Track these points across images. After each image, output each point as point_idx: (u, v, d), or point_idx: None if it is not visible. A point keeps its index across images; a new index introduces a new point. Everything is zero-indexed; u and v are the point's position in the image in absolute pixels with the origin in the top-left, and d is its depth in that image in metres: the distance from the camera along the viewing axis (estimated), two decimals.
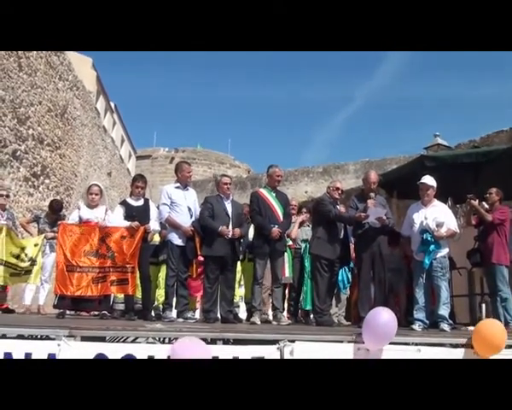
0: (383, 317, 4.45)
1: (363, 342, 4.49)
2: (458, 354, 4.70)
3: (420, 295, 6.09)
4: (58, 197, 15.95)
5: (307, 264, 7.26)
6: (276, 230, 6.22)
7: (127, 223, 6.18)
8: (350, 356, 4.45)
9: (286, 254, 6.99)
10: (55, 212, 8.25)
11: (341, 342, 4.62)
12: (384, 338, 4.45)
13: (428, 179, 6.30)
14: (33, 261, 7.54)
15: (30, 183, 14.10)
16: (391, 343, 4.58)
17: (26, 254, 7.44)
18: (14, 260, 7.33)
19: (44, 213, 8.44)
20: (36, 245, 7.63)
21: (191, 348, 3.89)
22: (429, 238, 6.01)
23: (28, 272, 7.52)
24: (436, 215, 6.10)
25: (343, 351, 4.47)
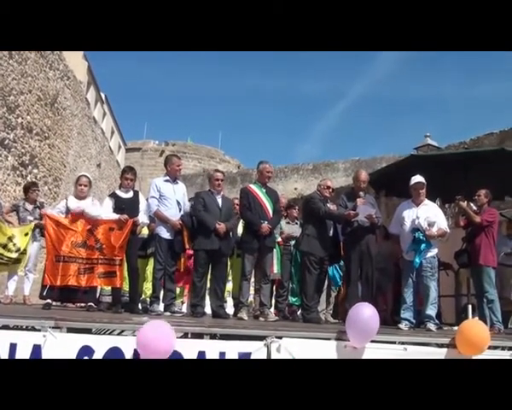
0: (365, 312, 4.47)
1: (349, 340, 4.50)
2: (443, 353, 4.73)
3: (408, 294, 6.12)
4: (46, 188, 15.89)
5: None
6: (265, 225, 6.22)
7: (116, 215, 6.14)
8: (336, 354, 4.46)
9: (275, 250, 6.99)
10: (27, 191, 8.20)
11: (328, 339, 4.62)
12: (367, 334, 4.46)
13: (422, 178, 6.33)
14: (21, 251, 7.46)
15: (18, 172, 13.99)
16: (378, 342, 4.61)
17: (14, 244, 7.37)
18: (1, 250, 7.26)
19: (22, 201, 8.35)
20: (26, 234, 7.56)
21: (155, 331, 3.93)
22: (421, 237, 6.03)
23: (17, 261, 7.45)
24: (428, 214, 6.14)
25: (330, 348, 4.48)
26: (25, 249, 7.50)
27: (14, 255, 7.40)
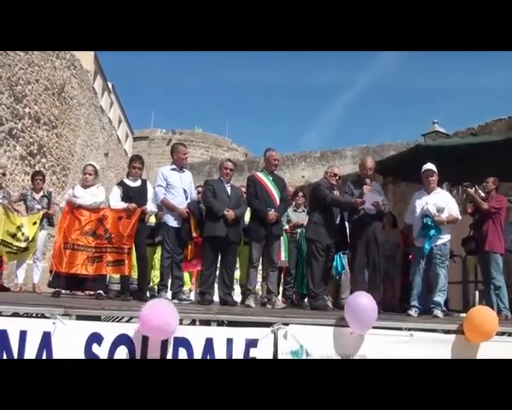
0: (361, 302, 4.46)
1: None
2: (450, 339, 4.75)
3: (417, 281, 6.14)
4: (54, 177, 15.96)
5: (305, 248, 7.26)
6: (272, 213, 6.22)
7: (124, 204, 6.18)
8: (343, 340, 4.48)
9: (282, 238, 7.00)
10: (34, 180, 8.26)
11: (335, 326, 4.64)
12: (366, 322, 4.45)
13: (432, 166, 6.33)
14: (30, 240, 7.53)
15: (26, 161, 14.05)
16: (385, 328, 4.63)
17: (22, 234, 7.44)
18: (10, 240, 7.33)
19: (30, 190, 8.41)
20: (34, 223, 7.62)
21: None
22: (429, 223, 6.01)
23: (26, 249, 7.53)
24: (437, 201, 6.13)
25: (336, 335, 4.50)
26: (33, 238, 7.57)
27: (23, 245, 7.46)
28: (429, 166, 6.37)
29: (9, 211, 7.53)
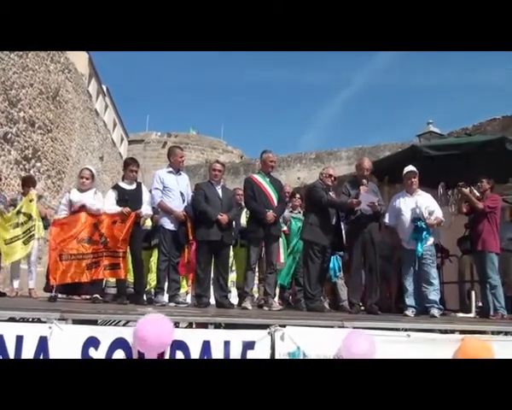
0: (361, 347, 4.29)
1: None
2: (447, 339, 4.75)
3: (409, 282, 6.20)
4: (49, 181, 15.92)
5: (291, 244, 7.28)
6: (270, 214, 6.21)
7: (119, 208, 6.16)
8: (339, 341, 4.48)
9: (280, 239, 7.00)
10: (25, 184, 8.21)
11: (331, 327, 4.65)
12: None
13: (413, 168, 6.43)
14: (34, 217, 7.49)
15: (21, 166, 14.01)
16: (382, 329, 4.64)
17: (24, 213, 7.39)
18: (14, 232, 7.27)
19: (20, 195, 8.36)
20: (31, 200, 7.57)
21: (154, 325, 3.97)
22: (423, 226, 6.10)
23: (34, 227, 7.47)
24: (427, 204, 6.24)
25: (333, 336, 4.50)
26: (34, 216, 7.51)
27: (32, 223, 7.42)
28: (411, 168, 6.48)
29: (5, 215, 7.49)
